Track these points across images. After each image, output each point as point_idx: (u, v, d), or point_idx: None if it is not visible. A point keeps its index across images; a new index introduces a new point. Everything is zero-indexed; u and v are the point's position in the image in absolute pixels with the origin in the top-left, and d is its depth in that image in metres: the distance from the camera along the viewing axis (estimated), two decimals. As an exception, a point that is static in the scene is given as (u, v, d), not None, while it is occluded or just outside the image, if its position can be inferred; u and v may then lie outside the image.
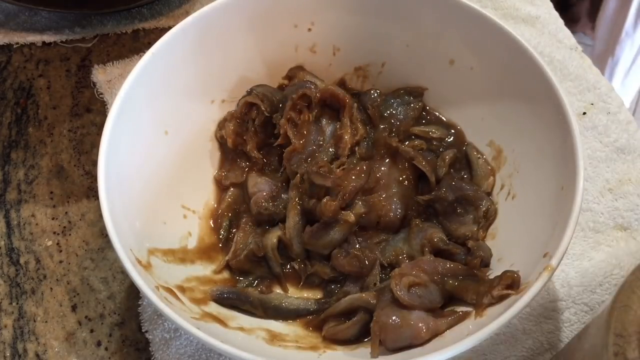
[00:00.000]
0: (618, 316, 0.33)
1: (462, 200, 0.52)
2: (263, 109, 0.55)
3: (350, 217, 0.50)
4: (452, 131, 0.57)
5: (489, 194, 0.54)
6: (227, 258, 0.53)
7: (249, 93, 0.56)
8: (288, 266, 0.53)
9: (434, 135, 0.56)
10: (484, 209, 0.52)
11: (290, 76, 0.59)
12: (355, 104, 0.56)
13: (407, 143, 0.56)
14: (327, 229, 0.50)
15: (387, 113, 0.57)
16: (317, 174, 0.51)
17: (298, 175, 0.52)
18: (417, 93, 0.58)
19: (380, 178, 0.53)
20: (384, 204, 0.52)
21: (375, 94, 0.57)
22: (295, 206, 0.52)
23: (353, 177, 0.51)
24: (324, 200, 0.50)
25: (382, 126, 0.56)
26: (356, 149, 0.55)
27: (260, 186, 0.55)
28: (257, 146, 0.56)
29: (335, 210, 0.49)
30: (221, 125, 0.57)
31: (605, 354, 0.32)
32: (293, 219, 0.52)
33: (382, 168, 0.54)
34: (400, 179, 0.53)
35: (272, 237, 0.52)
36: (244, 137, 0.56)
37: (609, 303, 0.34)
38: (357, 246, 0.51)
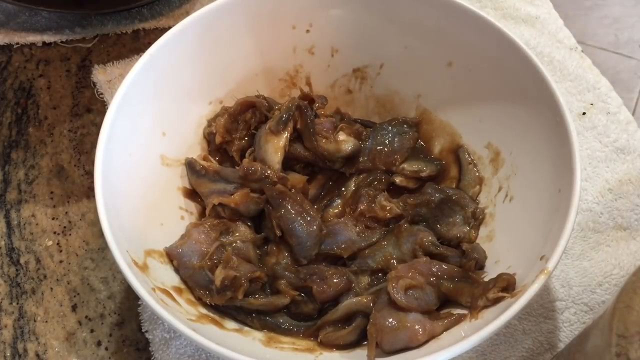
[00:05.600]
0: (620, 317, 0.33)
1: (447, 201, 0.52)
2: (261, 106, 0.54)
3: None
4: (438, 164, 0.57)
5: (475, 200, 0.54)
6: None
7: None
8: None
9: (423, 175, 0.56)
10: (470, 210, 0.52)
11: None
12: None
13: (398, 180, 0.56)
14: None
15: (383, 142, 0.57)
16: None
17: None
18: (412, 123, 0.58)
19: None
20: None
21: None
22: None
23: None
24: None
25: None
26: None
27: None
28: (241, 151, 0.55)
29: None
30: (211, 121, 0.56)
31: (607, 355, 0.33)
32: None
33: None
34: None
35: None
36: (233, 136, 0.55)
37: (611, 304, 0.34)
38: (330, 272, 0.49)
